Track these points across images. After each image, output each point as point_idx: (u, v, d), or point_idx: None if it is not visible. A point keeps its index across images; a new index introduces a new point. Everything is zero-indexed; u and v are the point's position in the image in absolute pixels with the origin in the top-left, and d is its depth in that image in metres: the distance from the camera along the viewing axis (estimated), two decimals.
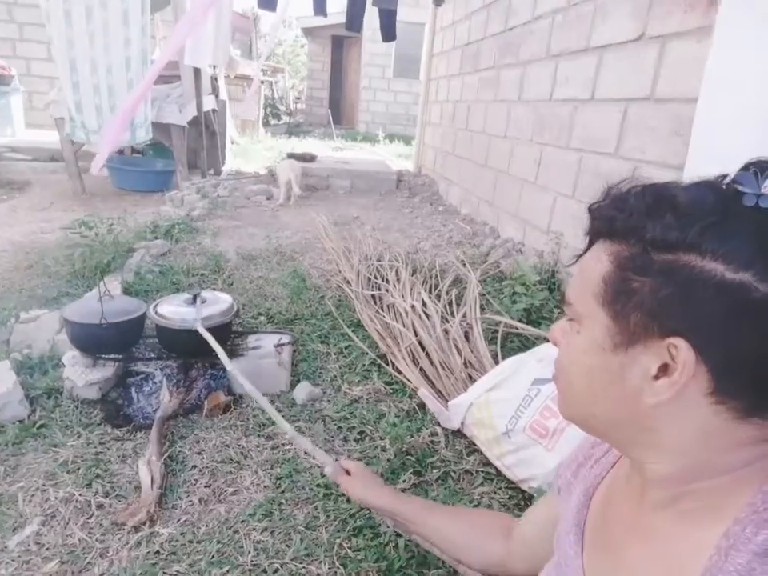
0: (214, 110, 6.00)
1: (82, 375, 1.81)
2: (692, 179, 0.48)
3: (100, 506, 1.37)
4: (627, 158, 2.40)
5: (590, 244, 0.54)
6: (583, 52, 2.79)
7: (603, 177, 2.56)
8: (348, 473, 1.12)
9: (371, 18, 5.05)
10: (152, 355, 2.01)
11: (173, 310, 1.88)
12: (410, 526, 0.99)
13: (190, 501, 1.42)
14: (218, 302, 1.96)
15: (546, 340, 2.17)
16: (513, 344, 2.29)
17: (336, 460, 1.19)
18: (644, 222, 0.46)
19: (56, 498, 1.38)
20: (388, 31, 4.85)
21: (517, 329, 2.29)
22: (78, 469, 1.49)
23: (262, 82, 10.55)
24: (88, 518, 1.33)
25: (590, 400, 0.53)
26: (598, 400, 0.52)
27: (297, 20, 15.65)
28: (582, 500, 0.66)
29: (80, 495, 1.39)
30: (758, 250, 0.41)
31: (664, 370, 0.46)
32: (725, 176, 0.47)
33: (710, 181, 0.47)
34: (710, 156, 1.57)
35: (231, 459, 1.58)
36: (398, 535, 1.32)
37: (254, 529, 1.34)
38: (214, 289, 2.68)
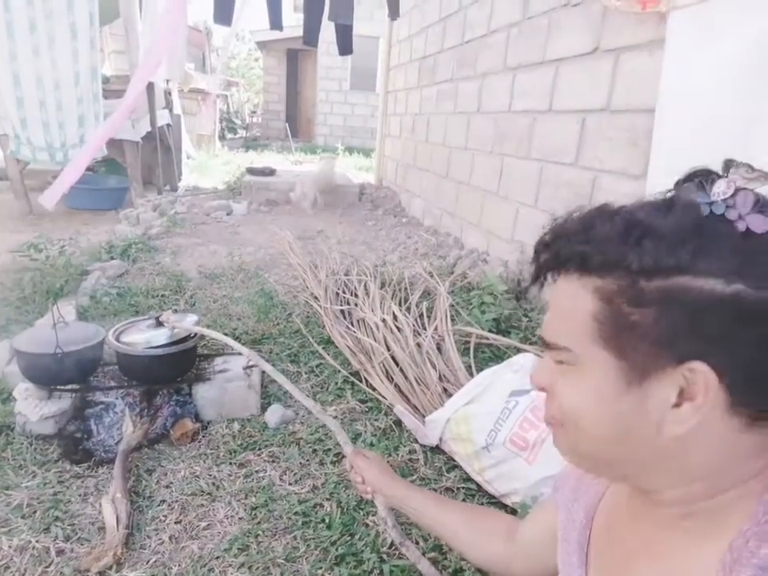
0: (168, 125, 5.86)
1: (35, 409, 1.69)
2: (643, 197, 0.49)
3: (60, 552, 1.27)
4: (587, 168, 2.45)
5: (540, 276, 0.52)
6: (540, 65, 2.85)
7: (564, 186, 2.62)
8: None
9: (326, 31, 5.04)
10: (112, 383, 1.90)
11: (134, 335, 1.80)
12: (420, 517, 0.98)
13: (160, 539, 1.34)
14: (184, 322, 1.89)
15: (517, 349, 2.18)
16: (485, 354, 2.29)
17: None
18: (623, 253, 0.45)
19: (9, 546, 1.27)
20: (344, 45, 4.85)
21: (488, 339, 2.30)
22: (35, 512, 1.38)
23: (218, 95, 10.40)
24: (47, 567, 1.23)
25: (608, 447, 0.50)
26: (617, 444, 0.50)
27: (251, 33, 15.54)
28: (584, 521, 0.64)
29: (37, 542, 1.29)
30: (740, 260, 0.42)
31: (681, 395, 0.45)
32: (672, 190, 0.48)
33: (668, 199, 0.47)
34: (671, 165, 1.61)
35: (202, 491, 1.50)
36: (382, 561, 1.28)
37: (230, 565, 1.27)
38: (176, 310, 2.58)
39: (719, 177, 0.46)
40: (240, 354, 2.08)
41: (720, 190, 0.44)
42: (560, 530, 0.70)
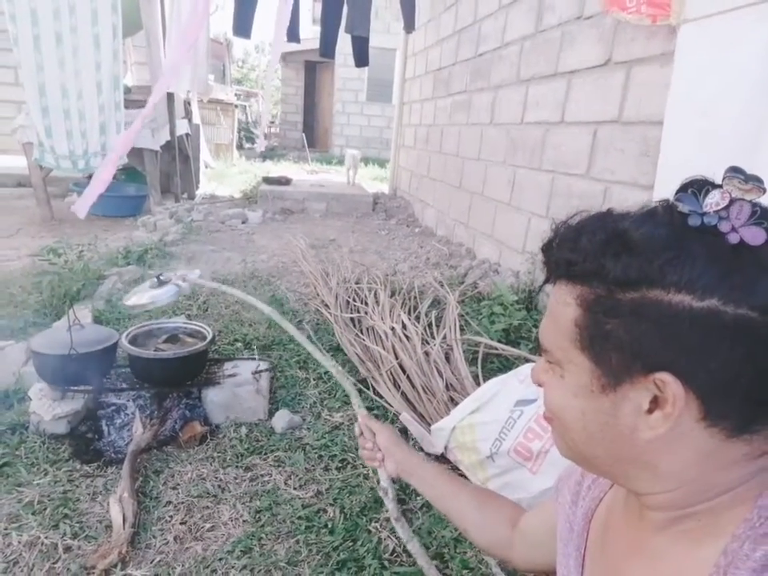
0: (187, 134, 5.97)
1: (49, 409, 1.73)
2: (641, 205, 0.49)
3: (68, 549, 1.30)
4: (598, 179, 2.45)
5: (549, 279, 0.54)
6: (552, 77, 2.87)
7: (576, 197, 2.62)
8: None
9: (344, 44, 5.13)
10: (124, 386, 1.94)
11: (138, 298, 1.81)
12: (428, 488, 0.97)
13: (165, 539, 1.36)
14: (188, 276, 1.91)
15: (526, 360, 2.17)
16: (493, 364, 2.28)
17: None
18: (601, 263, 0.46)
19: (19, 542, 1.30)
20: (361, 57, 4.92)
21: (497, 349, 2.29)
22: (45, 509, 1.41)
23: (236, 106, 10.58)
24: (54, 563, 1.26)
25: (588, 441, 0.53)
26: (597, 441, 0.52)
27: (270, 45, 15.80)
28: (582, 524, 0.65)
29: (46, 538, 1.31)
30: (717, 275, 0.42)
31: (655, 402, 0.46)
32: (666, 200, 0.47)
33: (655, 209, 0.48)
34: (678, 176, 1.61)
35: (208, 493, 1.52)
36: (383, 567, 1.29)
37: (232, 567, 1.28)
38: (189, 315, 2.62)
39: (714, 187, 0.45)
40: (252, 359, 2.11)
41: (713, 200, 0.44)
42: (558, 533, 0.71)
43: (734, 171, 0.46)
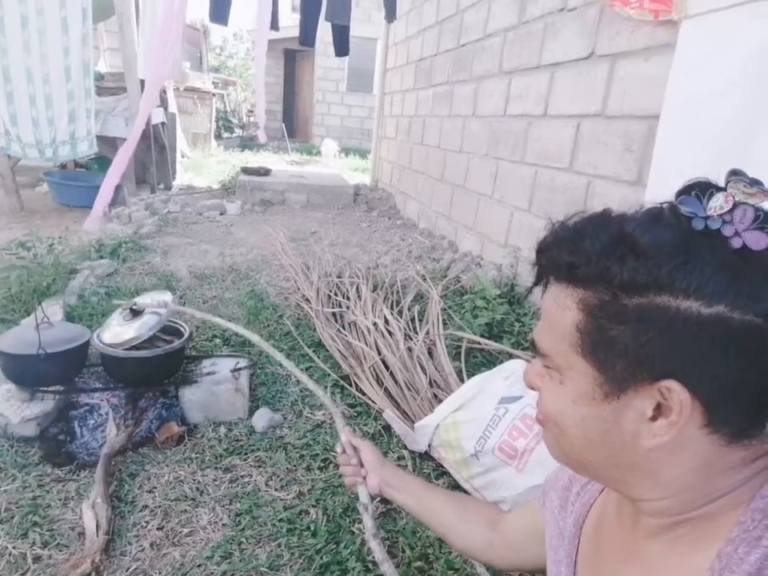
0: (163, 123, 5.81)
1: (17, 411, 1.66)
2: (640, 206, 0.48)
3: (37, 559, 1.24)
4: (581, 173, 2.44)
5: (541, 281, 0.53)
6: (535, 69, 2.85)
7: (558, 191, 2.61)
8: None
9: (324, 32, 5.04)
10: (97, 385, 1.87)
11: (117, 334, 1.76)
12: (407, 499, 0.99)
13: (141, 546, 1.31)
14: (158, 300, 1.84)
15: (509, 354, 2.17)
16: (476, 359, 2.27)
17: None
18: (606, 267, 0.45)
19: None
20: (341, 46, 4.84)
21: (480, 344, 2.28)
22: (13, 517, 1.34)
23: (214, 94, 10.36)
24: (23, 574, 1.20)
25: (586, 448, 0.51)
26: (595, 447, 0.51)
27: (248, 33, 15.51)
28: (573, 530, 0.65)
29: (14, 548, 1.26)
30: (725, 281, 0.41)
31: (659, 409, 0.45)
32: (670, 202, 0.46)
33: (660, 212, 0.46)
34: (672, 172, 1.60)
35: (186, 496, 1.47)
36: (367, 570, 1.26)
37: (212, 573, 1.24)
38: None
39: (718, 190, 0.44)
40: (231, 356, 2.06)
41: (717, 204, 0.43)
42: (547, 539, 0.70)
43: (737, 175, 0.44)
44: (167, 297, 1.86)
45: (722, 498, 0.47)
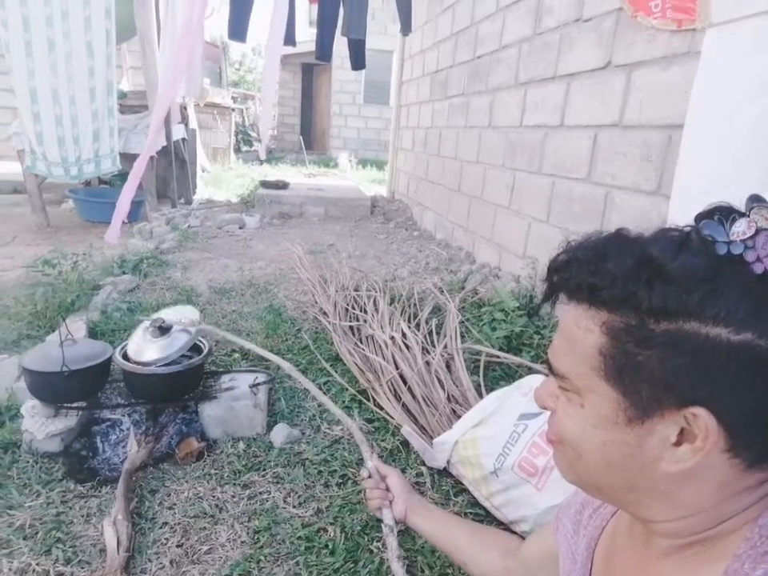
0: (183, 139, 5.93)
1: (42, 427, 1.69)
2: (658, 227, 0.48)
3: None
4: (599, 184, 2.42)
5: (552, 296, 0.52)
6: (551, 80, 2.84)
7: (576, 202, 2.58)
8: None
9: (340, 46, 5.10)
10: (119, 401, 1.90)
11: (145, 351, 1.78)
12: (432, 526, 1.03)
13: (161, 563, 1.32)
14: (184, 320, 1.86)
15: (528, 368, 2.14)
16: (495, 373, 2.25)
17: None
18: (633, 291, 0.44)
19: (10, 569, 1.26)
20: (357, 60, 4.89)
21: (498, 357, 2.26)
22: (36, 533, 1.37)
23: (233, 109, 10.54)
24: None
25: (606, 471, 0.51)
26: (614, 471, 0.50)
27: (266, 48, 15.76)
28: (585, 553, 0.65)
29: (37, 564, 1.27)
30: (753, 308, 0.42)
31: (682, 434, 0.45)
32: (692, 226, 0.47)
33: (684, 236, 0.46)
34: (696, 184, 1.58)
35: (205, 513, 1.48)
36: None
37: None
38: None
39: (741, 215, 0.45)
40: (250, 371, 2.08)
41: (740, 229, 0.44)
42: (561, 563, 0.70)
43: (759, 201, 0.45)
44: (195, 315, 1.89)
45: (735, 517, 0.47)
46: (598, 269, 0.47)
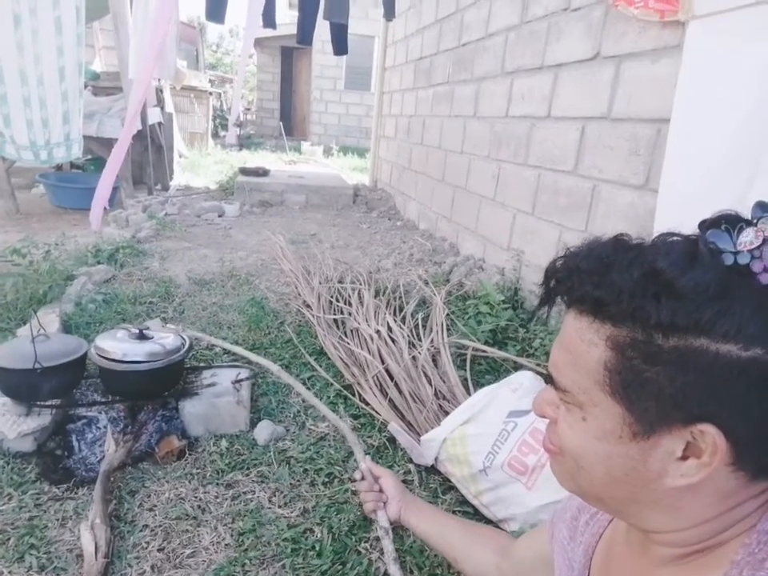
0: (159, 123, 5.76)
1: (13, 426, 1.61)
2: (659, 233, 0.47)
3: None
4: (586, 177, 2.40)
5: (548, 302, 0.51)
6: (539, 69, 2.80)
7: (563, 194, 2.57)
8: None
9: (321, 30, 4.98)
10: (96, 398, 1.83)
11: (116, 347, 1.72)
12: (425, 524, 1.02)
13: (141, 569, 1.27)
14: (167, 338, 1.82)
15: (516, 365, 2.13)
16: (481, 367, 2.24)
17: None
18: (640, 305, 0.43)
19: None
20: (339, 45, 4.78)
21: (485, 351, 2.24)
22: (8, 539, 1.31)
23: (210, 93, 10.29)
24: None
25: (609, 484, 0.50)
26: (618, 484, 0.49)
27: (244, 30, 15.39)
28: (583, 560, 0.64)
29: (9, 573, 1.22)
30: (762, 324, 0.41)
31: (687, 448, 0.45)
32: (698, 236, 0.45)
33: (692, 248, 0.44)
34: (683, 178, 1.56)
35: (187, 515, 1.43)
36: None
37: None
38: (164, 318, 2.51)
39: (748, 224, 0.44)
40: (232, 366, 2.03)
41: (747, 239, 0.43)
42: (556, 570, 0.70)
43: (764, 210, 0.44)
44: (178, 326, 1.86)
45: (735, 526, 0.47)
46: (602, 281, 0.45)
